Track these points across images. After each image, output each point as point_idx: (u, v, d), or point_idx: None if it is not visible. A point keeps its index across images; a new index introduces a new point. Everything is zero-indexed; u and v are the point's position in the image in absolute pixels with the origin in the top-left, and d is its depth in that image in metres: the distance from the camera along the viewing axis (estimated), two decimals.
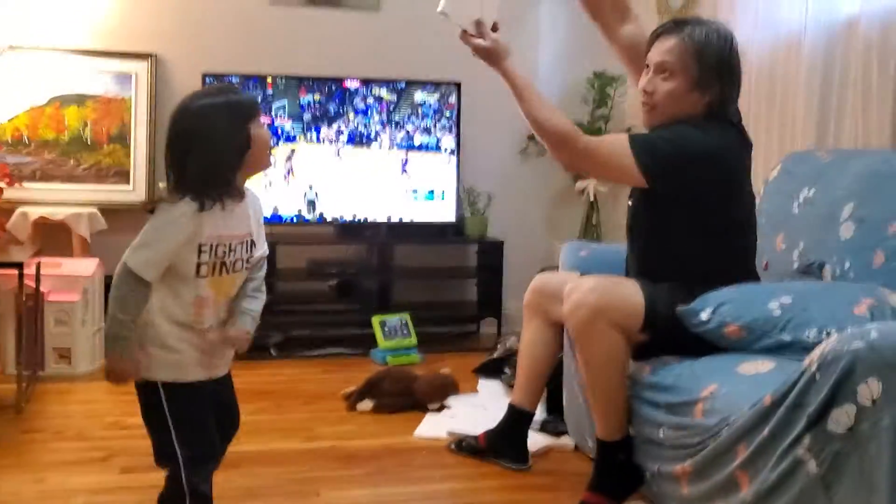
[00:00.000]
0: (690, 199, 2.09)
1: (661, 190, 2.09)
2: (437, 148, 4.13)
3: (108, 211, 3.91)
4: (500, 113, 4.20)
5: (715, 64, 2.08)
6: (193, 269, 1.73)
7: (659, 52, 2.12)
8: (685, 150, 2.06)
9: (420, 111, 4.11)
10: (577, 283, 2.09)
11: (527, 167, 4.53)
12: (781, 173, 2.69)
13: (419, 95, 4.11)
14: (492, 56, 2.14)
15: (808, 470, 1.41)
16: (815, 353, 1.42)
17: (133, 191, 4.02)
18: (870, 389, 1.31)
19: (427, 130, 4.12)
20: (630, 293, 2.05)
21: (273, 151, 1.83)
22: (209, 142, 1.69)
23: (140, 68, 4.04)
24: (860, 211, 2.22)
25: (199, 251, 1.71)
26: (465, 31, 2.12)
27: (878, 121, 2.61)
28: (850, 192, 2.29)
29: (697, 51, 2.07)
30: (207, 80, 3.82)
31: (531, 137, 4.37)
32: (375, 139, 4.08)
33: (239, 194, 1.77)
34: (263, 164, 1.82)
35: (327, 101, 4.03)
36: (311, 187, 3.99)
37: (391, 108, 4.09)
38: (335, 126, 4.05)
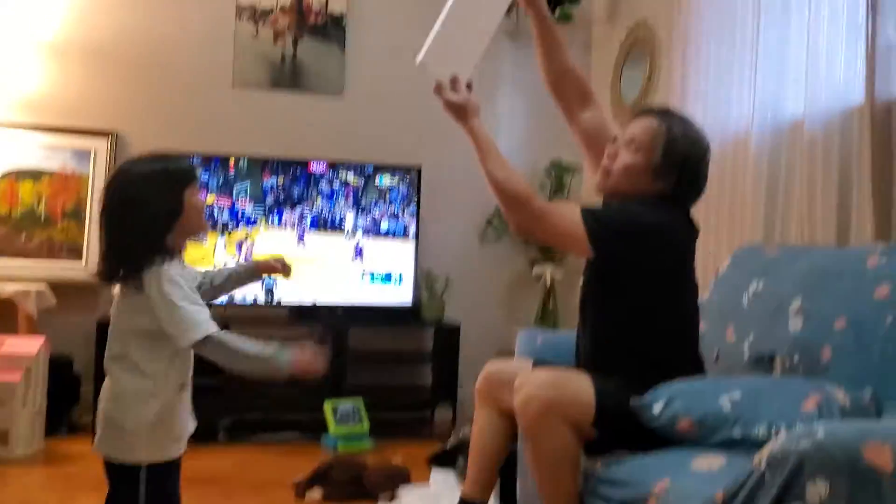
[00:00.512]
0: (636, 274, 2.11)
1: (606, 261, 2.11)
2: (397, 232, 4.16)
3: (59, 288, 3.84)
4: (460, 196, 4.27)
5: (679, 159, 2.13)
6: None
7: (636, 126, 2.18)
8: (633, 222, 2.10)
9: (383, 195, 4.14)
10: (527, 377, 2.07)
11: (485, 251, 4.57)
12: (731, 266, 2.74)
13: (381, 179, 4.15)
14: (462, 112, 2.17)
15: None
16: (764, 452, 1.43)
17: (85, 267, 3.96)
18: (818, 490, 1.32)
19: (390, 214, 4.15)
20: (580, 388, 2.04)
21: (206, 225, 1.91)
22: (143, 206, 1.71)
23: (99, 145, 4.04)
24: (807, 306, 2.26)
25: None
26: (439, 85, 2.16)
27: (822, 218, 2.69)
28: (798, 287, 2.33)
29: (669, 141, 2.13)
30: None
31: (490, 222, 4.43)
32: (339, 225, 4.08)
33: (179, 257, 1.80)
34: (197, 229, 1.85)
35: (291, 184, 4.04)
36: (274, 280, 3.96)
37: (359, 193, 4.11)
38: (298, 210, 4.05)
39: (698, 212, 3.27)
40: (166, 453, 1.76)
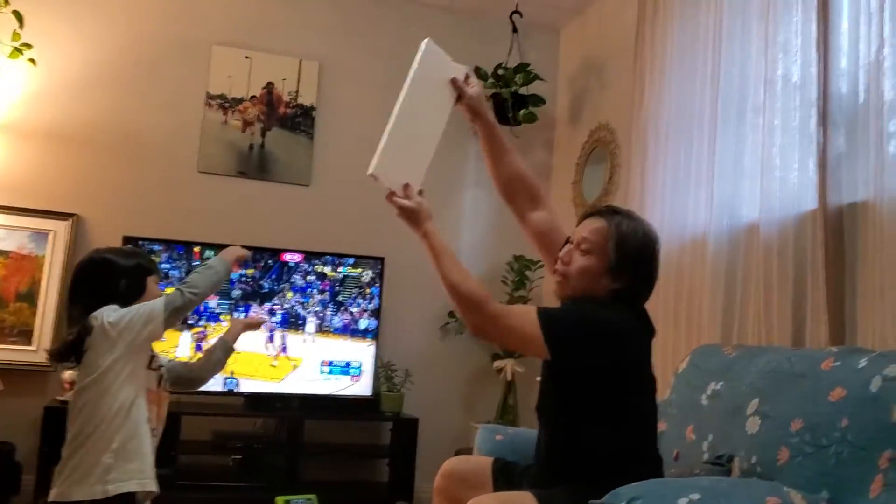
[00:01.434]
0: (593, 374, 2.10)
1: (562, 361, 2.11)
2: (356, 325, 4.12)
3: (7, 371, 3.73)
4: (421, 288, 4.27)
5: (632, 256, 2.15)
6: (147, 360, 2.00)
7: (585, 228, 2.20)
8: (588, 321, 2.10)
9: (344, 284, 4.13)
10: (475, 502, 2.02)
11: (446, 344, 4.55)
12: (690, 366, 2.76)
13: (344, 269, 4.14)
14: (415, 217, 2.19)
15: None
16: None
17: (36, 351, 3.86)
18: None
19: (344, 305, 4.12)
20: None
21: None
22: (109, 276, 1.96)
23: (60, 227, 3.99)
24: (764, 407, 2.27)
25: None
26: (391, 193, 2.18)
27: (778, 319, 2.73)
28: (755, 388, 2.35)
29: (620, 240, 2.15)
30: (128, 243, 3.79)
31: (451, 314, 4.43)
32: (303, 322, 4.04)
33: None
34: None
35: (262, 275, 4.02)
36: (232, 373, 3.89)
37: (333, 286, 4.10)
38: (267, 305, 4.01)
39: (657, 309, 3.32)
40: (149, 484, 1.88)
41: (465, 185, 4.68)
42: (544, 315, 2.09)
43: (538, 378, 2.33)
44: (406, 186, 2.19)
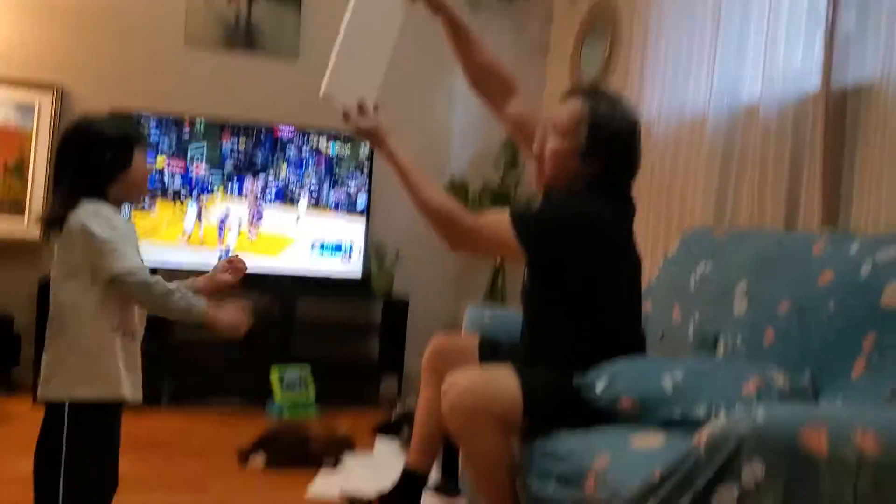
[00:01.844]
0: (569, 266, 2.10)
1: (537, 259, 2.12)
2: (348, 204, 4.10)
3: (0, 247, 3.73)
4: (416, 164, 4.23)
5: (605, 140, 2.09)
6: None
7: (562, 109, 2.15)
8: (559, 216, 2.10)
9: (333, 164, 4.08)
10: (451, 382, 2.04)
11: None
12: (680, 248, 2.76)
13: (333, 148, 4.08)
14: (374, 136, 2.15)
15: None
16: (704, 432, 1.44)
17: (27, 225, 3.85)
18: (753, 472, 1.33)
19: (336, 183, 4.08)
20: (506, 386, 2.02)
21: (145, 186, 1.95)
22: (93, 150, 1.79)
23: (44, 99, 3.90)
24: (753, 288, 2.28)
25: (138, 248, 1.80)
26: (346, 113, 2.13)
27: (772, 202, 2.72)
28: (744, 270, 2.36)
29: (594, 122, 2.09)
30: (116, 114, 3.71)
31: None
32: (296, 197, 4.01)
33: (118, 210, 1.84)
34: (138, 191, 1.90)
35: (254, 149, 3.96)
36: (227, 251, 3.88)
37: (331, 162, 4.05)
38: (261, 178, 3.97)
39: (649, 193, 3.31)
40: (113, 391, 1.75)
41: (456, 62, 4.55)
42: (516, 218, 2.08)
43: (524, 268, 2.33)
44: (361, 105, 2.13)
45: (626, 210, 2.21)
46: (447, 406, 2.02)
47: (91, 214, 1.73)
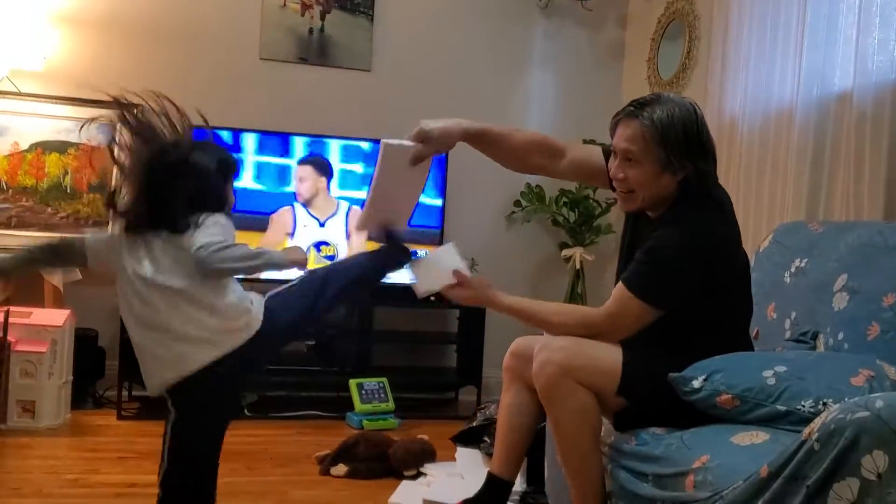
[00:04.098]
0: (696, 294, 2.02)
1: (681, 309, 2.01)
2: (424, 212, 4.07)
3: None
4: (487, 177, 4.18)
5: (682, 143, 2.00)
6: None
7: (622, 139, 2.05)
8: (678, 265, 1.99)
9: None
10: (546, 342, 2.02)
11: (512, 232, 4.49)
12: (772, 243, 2.65)
13: None
14: (481, 299, 2.18)
15: None
16: (816, 423, 1.34)
17: None
18: (875, 462, 1.23)
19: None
20: (604, 353, 1.97)
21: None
22: (204, 176, 1.87)
23: None
24: (854, 282, 2.17)
25: None
26: (446, 293, 2.14)
27: (869, 193, 2.59)
28: (843, 264, 2.25)
29: (660, 134, 2.00)
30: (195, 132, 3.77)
31: (517, 203, 4.35)
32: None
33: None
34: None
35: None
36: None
37: None
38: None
39: (737, 190, 3.18)
40: None
41: (532, 63, 4.51)
42: (635, 287, 2.00)
43: (617, 266, 2.25)
44: (456, 273, 2.13)
45: (731, 208, 2.11)
46: (537, 364, 1.98)
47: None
